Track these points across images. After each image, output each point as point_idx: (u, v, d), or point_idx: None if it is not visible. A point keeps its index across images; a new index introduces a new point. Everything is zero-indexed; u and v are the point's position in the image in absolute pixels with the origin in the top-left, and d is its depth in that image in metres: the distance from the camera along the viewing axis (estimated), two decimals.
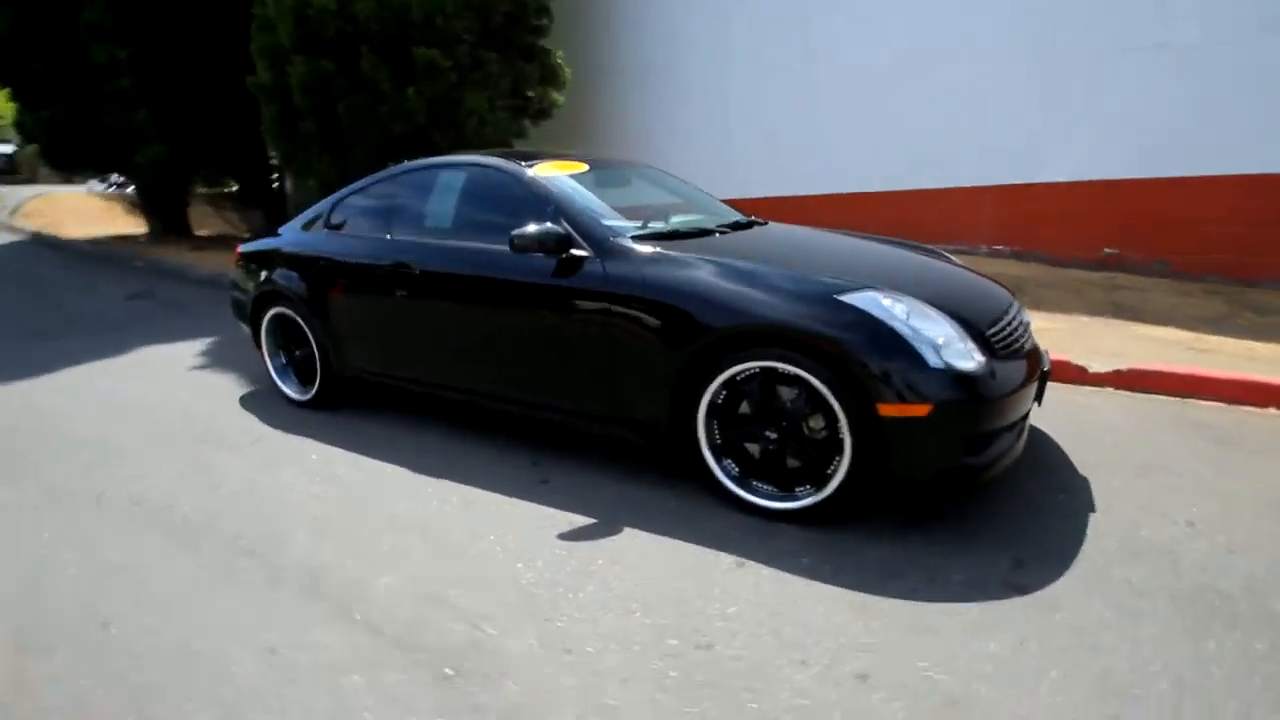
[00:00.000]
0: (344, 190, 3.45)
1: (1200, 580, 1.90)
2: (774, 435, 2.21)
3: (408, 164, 3.22)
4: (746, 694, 1.52)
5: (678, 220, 3.01)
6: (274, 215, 12.80)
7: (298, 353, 3.63)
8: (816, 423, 2.14)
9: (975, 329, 2.13)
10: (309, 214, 3.57)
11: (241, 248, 3.85)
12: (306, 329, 3.44)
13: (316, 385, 3.51)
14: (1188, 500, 2.34)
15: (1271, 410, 3.12)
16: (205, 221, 14.35)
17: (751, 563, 2.03)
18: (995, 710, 1.46)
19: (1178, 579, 1.91)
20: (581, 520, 2.33)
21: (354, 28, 7.38)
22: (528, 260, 2.62)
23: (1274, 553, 2.02)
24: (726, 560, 2.06)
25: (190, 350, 5.12)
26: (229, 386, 4.11)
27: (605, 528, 2.28)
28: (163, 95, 9.70)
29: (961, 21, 6.29)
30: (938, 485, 2.11)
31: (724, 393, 2.28)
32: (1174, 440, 2.86)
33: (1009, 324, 2.31)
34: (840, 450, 2.11)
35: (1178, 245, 5.34)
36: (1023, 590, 1.87)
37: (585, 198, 2.71)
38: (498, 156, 2.93)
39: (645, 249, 2.46)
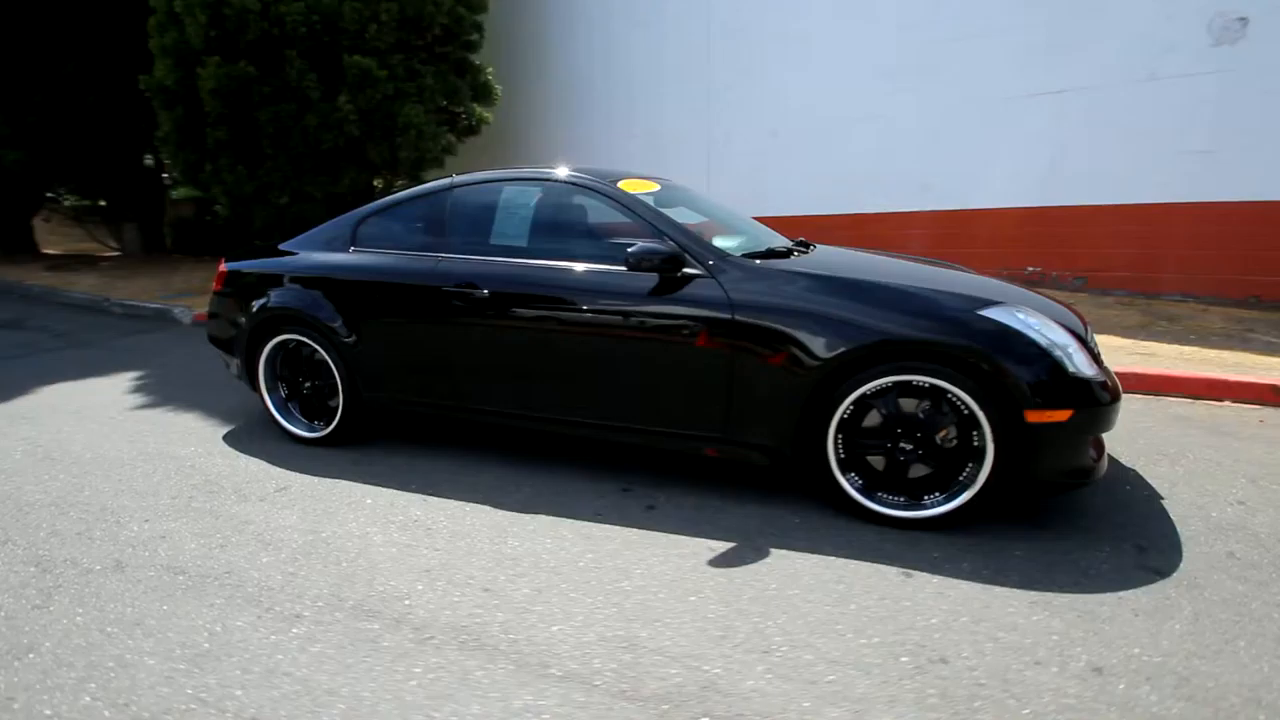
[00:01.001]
0: (370, 207, 3.12)
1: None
2: (908, 446, 2.28)
3: (458, 179, 2.98)
4: (1013, 702, 1.54)
5: (733, 241, 3.03)
6: (150, 231, 11.29)
7: (307, 385, 3.22)
8: (949, 432, 2.24)
9: (1081, 339, 2.33)
10: (323, 231, 3.20)
11: (228, 266, 3.36)
12: (328, 357, 3.07)
13: (336, 419, 3.13)
14: (1224, 482, 2.69)
15: (1228, 402, 3.68)
16: (49, 239, 12.38)
17: (918, 573, 2.07)
18: (1224, 682, 1.59)
19: (1266, 550, 2.19)
20: (720, 545, 2.26)
21: (279, 30, 6.75)
22: (627, 279, 2.53)
23: None
24: (892, 573, 2.08)
25: (115, 387, 4.38)
26: (201, 428, 3.55)
27: (751, 551, 2.22)
28: (18, 94, 8.26)
29: (896, 65, 6.91)
30: (1065, 486, 2.27)
31: (851, 408, 2.32)
32: (1174, 432, 3.28)
33: (1091, 336, 2.56)
34: (976, 458, 2.21)
35: (1087, 263, 6.16)
36: (1161, 573, 2.05)
37: (681, 216, 2.67)
38: (576, 172, 2.79)
39: (762, 266, 2.47)
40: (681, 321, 2.45)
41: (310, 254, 3.15)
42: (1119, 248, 5.93)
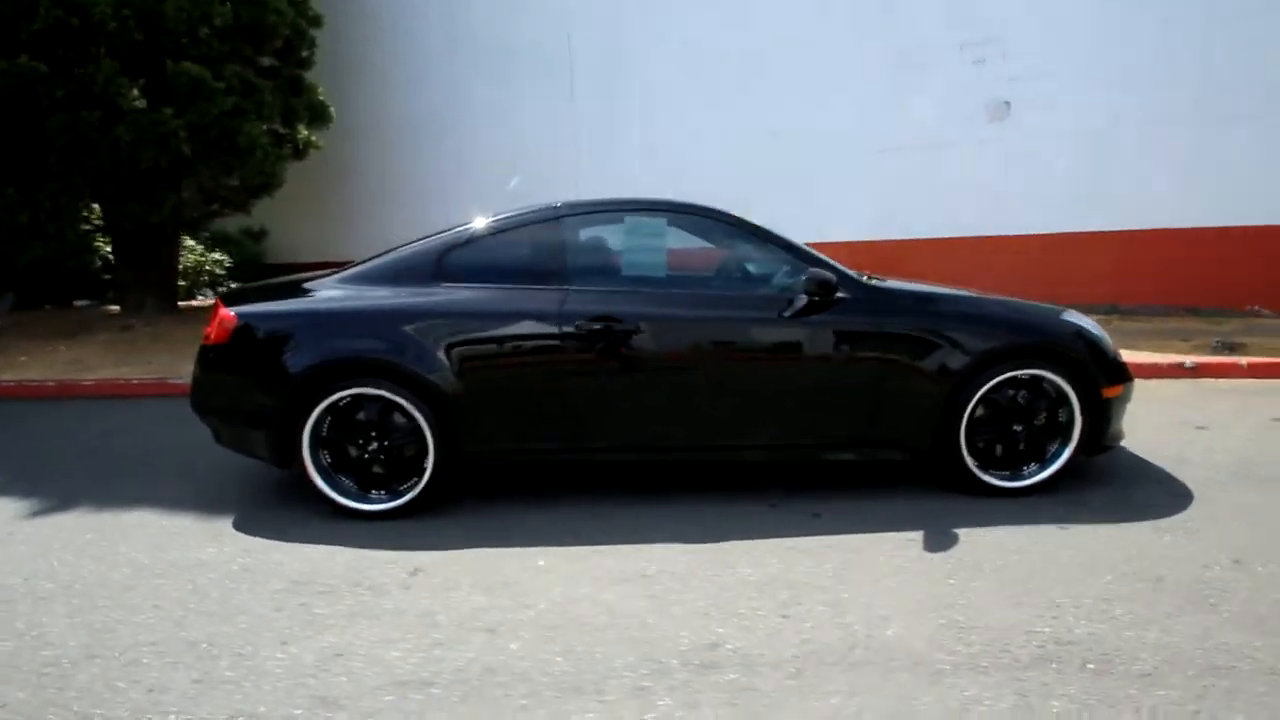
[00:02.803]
0: (453, 237, 2.76)
1: (1219, 461, 3.16)
2: (1018, 428, 2.80)
3: (563, 205, 2.78)
4: (1228, 592, 2.06)
5: None
6: None
7: (373, 447, 2.68)
8: (1045, 413, 2.81)
9: None
10: (387, 264, 2.72)
11: (240, 312, 2.65)
12: (415, 411, 2.61)
13: (424, 482, 2.68)
14: (1144, 431, 3.68)
15: None
16: None
17: (1070, 525, 2.56)
18: None
19: (1218, 470, 3.10)
20: (913, 534, 2.50)
21: (80, 21, 5.29)
22: (773, 304, 2.69)
23: (1209, 449, 3.43)
24: (1052, 530, 2.53)
25: None
26: (184, 524, 2.78)
27: (944, 535, 2.49)
28: None
29: (761, 117, 7.95)
30: (1112, 447, 2.97)
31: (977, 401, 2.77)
32: None
33: None
34: (1062, 432, 2.80)
35: None
36: (1189, 495, 2.81)
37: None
38: (697, 204, 2.83)
39: (892, 288, 2.81)
40: (840, 341, 2.68)
41: (382, 291, 2.66)
42: (929, 274, 7.57)
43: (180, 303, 8.27)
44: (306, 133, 7.98)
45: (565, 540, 2.53)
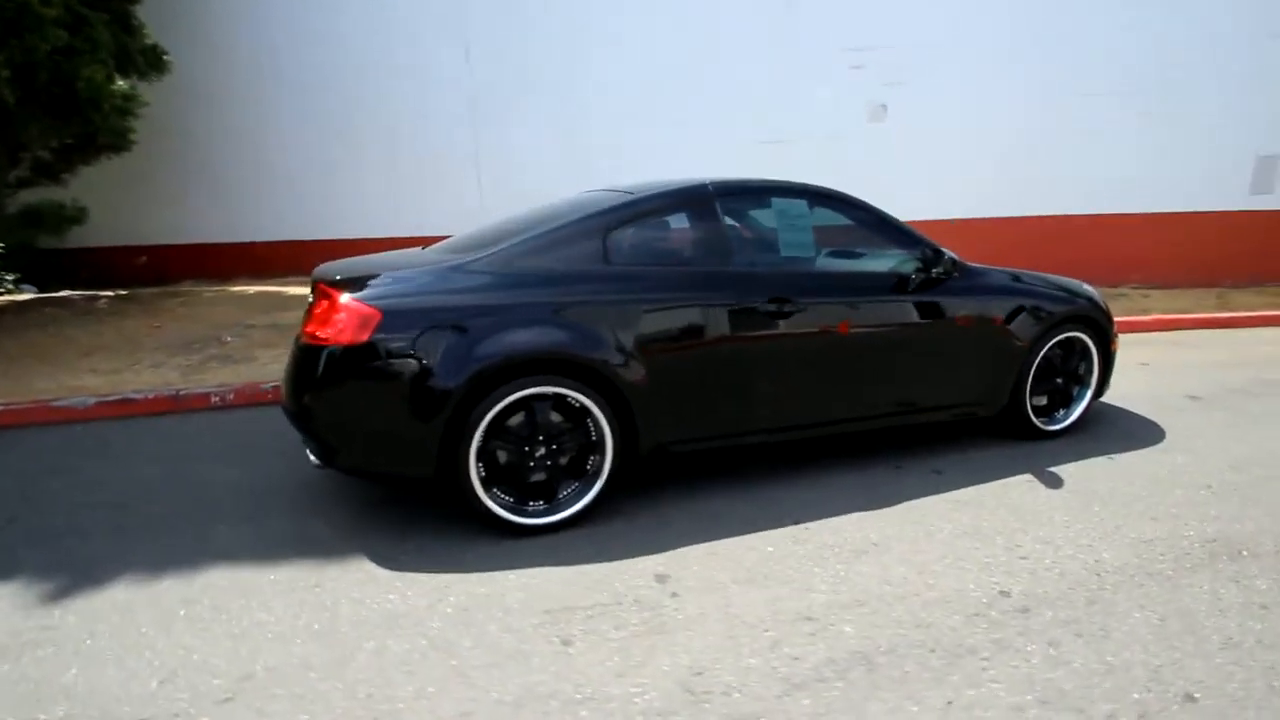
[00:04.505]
0: (609, 214, 2.51)
1: (1150, 396, 4.13)
2: (1060, 381, 3.39)
3: (711, 183, 2.66)
4: (1252, 490, 2.78)
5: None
6: None
7: (540, 453, 2.39)
8: (1074, 367, 3.45)
9: None
10: (540, 244, 2.37)
11: (378, 302, 2.15)
12: (594, 408, 2.38)
13: (599, 485, 2.47)
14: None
15: None
16: None
17: (1116, 455, 3.20)
18: None
19: (1152, 405, 4.06)
20: (1028, 478, 2.95)
21: None
22: (900, 280, 2.93)
23: (1135, 389, 4.45)
24: (1104, 460, 3.14)
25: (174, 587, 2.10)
26: (332, 574, 2.29)
27: (1053, 476, 2.96)
28: None
29: (663, 110, 8.08)
30: (1103, 393, 3.72)
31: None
32: None
33: None
34: (1083, 382, 3.48)
35: None
36: (1161, 426, 3.65)
37: None
38: (831, 189, 2.91)
39: (976, 267, 3.19)
40: (959, 313, 3.02)
41: (553, 271, 2.33)
42: None
43: None
44: (124, 84, 6.29)
45: (766, 525, 2.53)
